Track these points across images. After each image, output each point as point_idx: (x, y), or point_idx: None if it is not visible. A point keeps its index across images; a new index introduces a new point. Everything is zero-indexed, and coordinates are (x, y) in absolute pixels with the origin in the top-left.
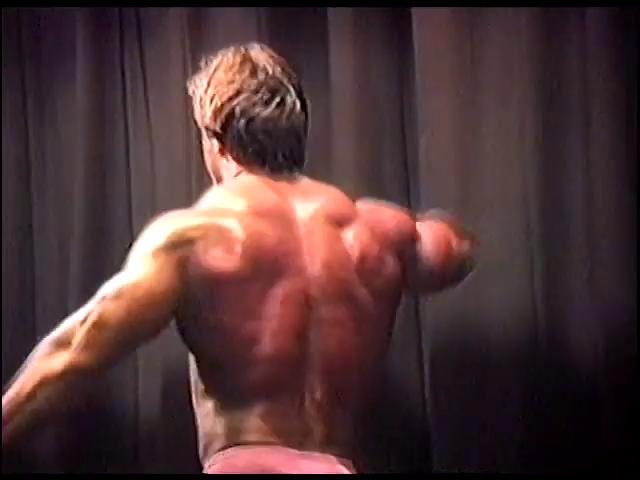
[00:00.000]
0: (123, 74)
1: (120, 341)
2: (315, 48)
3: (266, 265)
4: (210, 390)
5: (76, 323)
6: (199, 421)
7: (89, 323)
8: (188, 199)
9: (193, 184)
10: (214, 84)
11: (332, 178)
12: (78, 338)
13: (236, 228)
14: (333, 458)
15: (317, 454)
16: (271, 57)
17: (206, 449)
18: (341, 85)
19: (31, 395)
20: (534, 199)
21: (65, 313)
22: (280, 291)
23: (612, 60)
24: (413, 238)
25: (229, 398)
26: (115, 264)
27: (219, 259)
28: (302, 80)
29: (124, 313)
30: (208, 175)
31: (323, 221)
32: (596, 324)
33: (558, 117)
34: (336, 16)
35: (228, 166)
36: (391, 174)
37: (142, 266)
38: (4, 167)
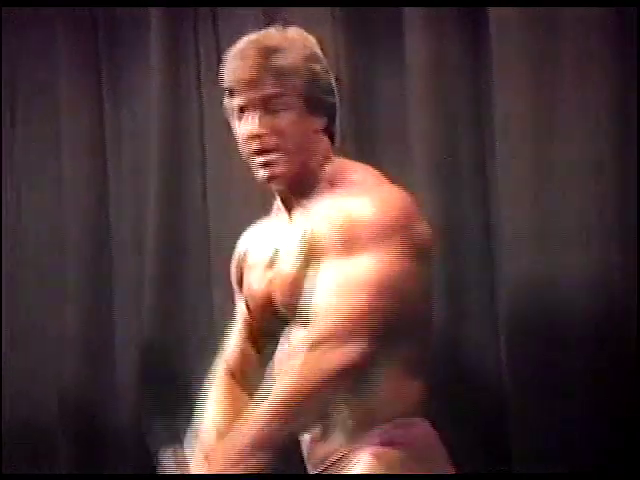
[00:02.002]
0: (197, 51)
1: None
2: (391, 34)
3: None
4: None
5: None
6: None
7: None
8: None
9: None
10: (320, 59)
11: (407, 160)
12: None
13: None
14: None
15: None
16: None
17: (373, 416)
18: (416, 68)
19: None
20: (611, 168)
21: (141, 285)
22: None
23: None
24: None
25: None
26: (190, 235)
27: None
28: (378, 63)
29: None
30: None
31: None
32: None
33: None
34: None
35: (321, 143)
36: (467, 153)
37: None
38: (81, 146)
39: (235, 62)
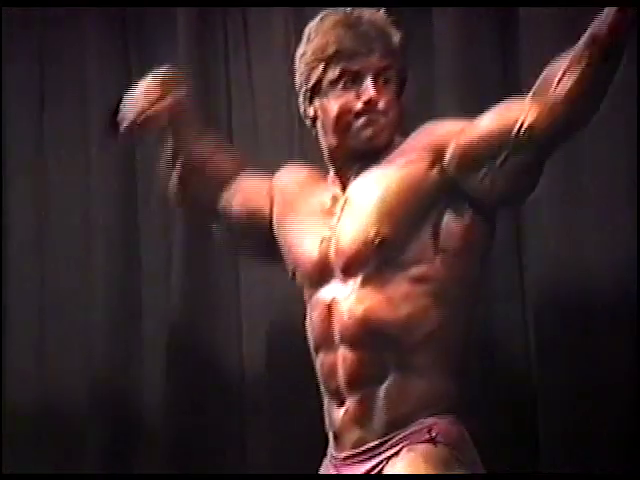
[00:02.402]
0: (225, 27)
1: None
2: (419, 16)
3: None
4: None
5: None
6: (412, 377)
7: None
8: (290, 153)
9: (295, 138)
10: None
11: None
12: None
13: None
14: None
15: None
16: None
17: (415, 407)
18: (444, 50)
19: None
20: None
21: (169, 279)
22: None
23: None
24: None
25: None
26: None
27: None
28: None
29: None
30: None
31: None
32: None
33: None
34: None
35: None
36: None
37: None
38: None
39: (345, 29)
